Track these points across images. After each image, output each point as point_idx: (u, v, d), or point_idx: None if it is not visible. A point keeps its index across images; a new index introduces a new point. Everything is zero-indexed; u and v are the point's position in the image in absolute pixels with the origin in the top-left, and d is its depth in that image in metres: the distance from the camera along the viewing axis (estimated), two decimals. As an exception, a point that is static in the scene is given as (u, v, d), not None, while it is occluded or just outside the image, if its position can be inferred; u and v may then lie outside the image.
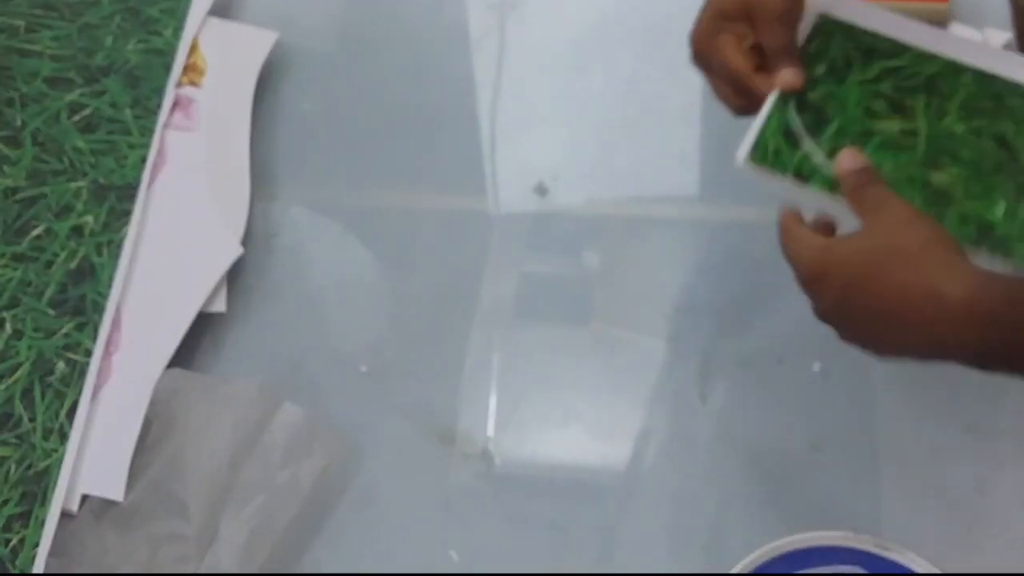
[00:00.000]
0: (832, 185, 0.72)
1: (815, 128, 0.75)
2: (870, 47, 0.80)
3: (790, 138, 0.75)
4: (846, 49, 0.80)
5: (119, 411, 0.78)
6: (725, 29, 0.77)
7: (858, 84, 0.78)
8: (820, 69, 0.79)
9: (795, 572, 0.69)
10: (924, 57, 0.81)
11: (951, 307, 0.61)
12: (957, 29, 0.98)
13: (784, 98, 0.76)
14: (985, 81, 0.80)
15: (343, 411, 0.79)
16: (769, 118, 0.75)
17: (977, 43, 0.86)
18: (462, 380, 0.82)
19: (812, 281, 0.67)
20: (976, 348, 0.61)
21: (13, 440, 0.77)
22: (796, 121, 0.76)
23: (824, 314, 0.67)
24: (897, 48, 0.81)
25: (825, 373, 0.80)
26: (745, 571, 0.68)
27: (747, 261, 0.87)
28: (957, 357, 0.62)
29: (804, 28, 0.80)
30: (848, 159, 0.70)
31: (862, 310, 0.64)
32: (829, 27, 0.81)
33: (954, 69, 0.80)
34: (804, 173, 0.73)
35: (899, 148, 0.75)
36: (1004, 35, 0.98)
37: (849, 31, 0.81)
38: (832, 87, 0.78)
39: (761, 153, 0.74)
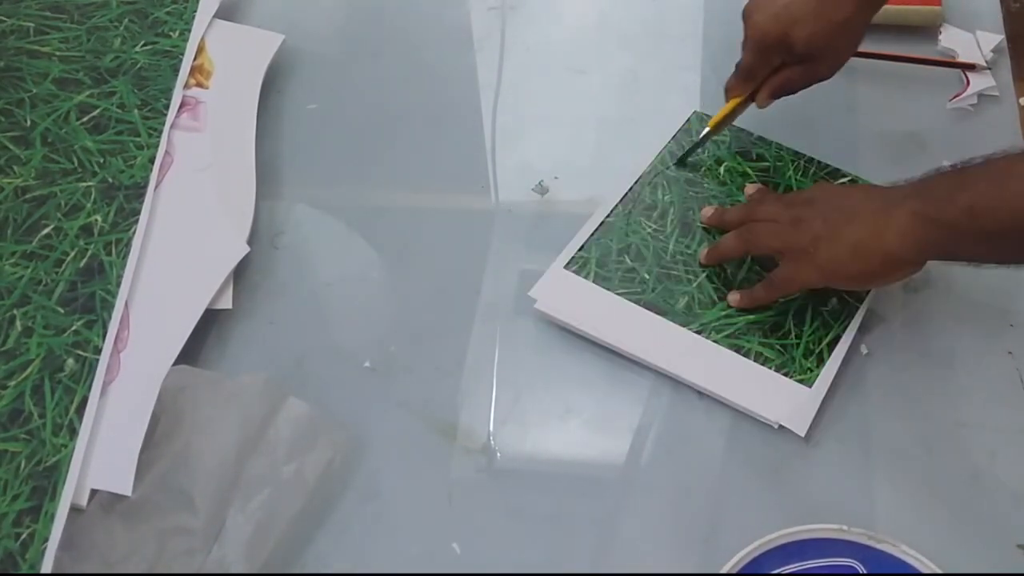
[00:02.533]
0: None
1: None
2: None
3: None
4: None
5: (127, 407, 0.78)
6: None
7: None
8: None
9: (790, 564, 0.70)
10: None
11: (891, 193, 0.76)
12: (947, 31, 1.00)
13: None
14: None
15: (347, 406, 0.80)
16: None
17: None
18: (463, 376, 0.82)
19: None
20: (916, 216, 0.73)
21: (23, 436, 0.77)
22: None
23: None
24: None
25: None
26: (741, 563, 0.69)
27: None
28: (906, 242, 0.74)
29: None
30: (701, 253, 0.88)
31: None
32: None
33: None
34: None
35: None
36: (996, 38, 0.98)
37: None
38: None
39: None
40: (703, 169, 0.92)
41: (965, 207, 0.71)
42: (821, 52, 0.85)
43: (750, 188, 0.89)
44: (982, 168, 0.72)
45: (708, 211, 0.88)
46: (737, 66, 0.89)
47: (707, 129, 0.91)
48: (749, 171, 0.91)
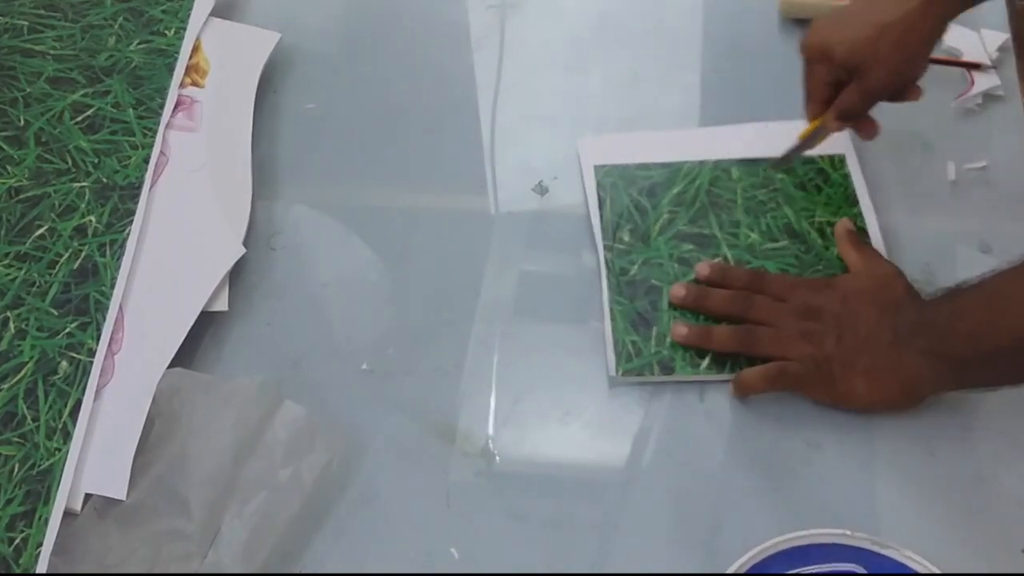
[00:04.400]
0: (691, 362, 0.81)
1: (653, 308, 0.84)
2: (650, 185, 0.90)
3: (641, 326, 0.83)
4: (632, 198, 0.89)
5: (122, 410, 0.78)
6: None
7: (661, 238, 0.87)
8: (625, 235, 0.87)
9: (793, 569, 0.69)
10: (693, 171, 0.91)
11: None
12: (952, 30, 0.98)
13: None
14: (749, 170, 0.91)
15: (344, 409, 0.79)
16: (615, 329, 0.83)
17: (724, 134, 0.94)
18: (462, 378, 0.82)
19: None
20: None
21: (16, 439, 0.77)
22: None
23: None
24: (669, 173, 0.91)
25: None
26: (743, 568, 0.68)
27: (746, 260, 0.87)
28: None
29: (589, 186, 0.90)
30: (677, 329, 0.82)
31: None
32: (610, 177, 0.91)
33: (722, 170, 0.91)
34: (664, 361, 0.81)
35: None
36: (1001, 36, 0.98)
37: (625, 174, 0.91)
38: (644, 253, 0.86)
39: (625, 361, 0.81)
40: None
41: (964, 335, 0.72)
42: (864, 62, 0.82)
43: (703, 268, 0.84)
44: (974, 292, 0.73)
45: (680, 290, 0.83)
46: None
47: (797, 143, 0.89)
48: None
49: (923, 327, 0.74)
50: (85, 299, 0.83)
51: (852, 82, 0.84)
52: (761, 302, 0.81)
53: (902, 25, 0.81)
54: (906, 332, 0.75)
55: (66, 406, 0.78)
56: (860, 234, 0.86)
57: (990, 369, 0.73)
